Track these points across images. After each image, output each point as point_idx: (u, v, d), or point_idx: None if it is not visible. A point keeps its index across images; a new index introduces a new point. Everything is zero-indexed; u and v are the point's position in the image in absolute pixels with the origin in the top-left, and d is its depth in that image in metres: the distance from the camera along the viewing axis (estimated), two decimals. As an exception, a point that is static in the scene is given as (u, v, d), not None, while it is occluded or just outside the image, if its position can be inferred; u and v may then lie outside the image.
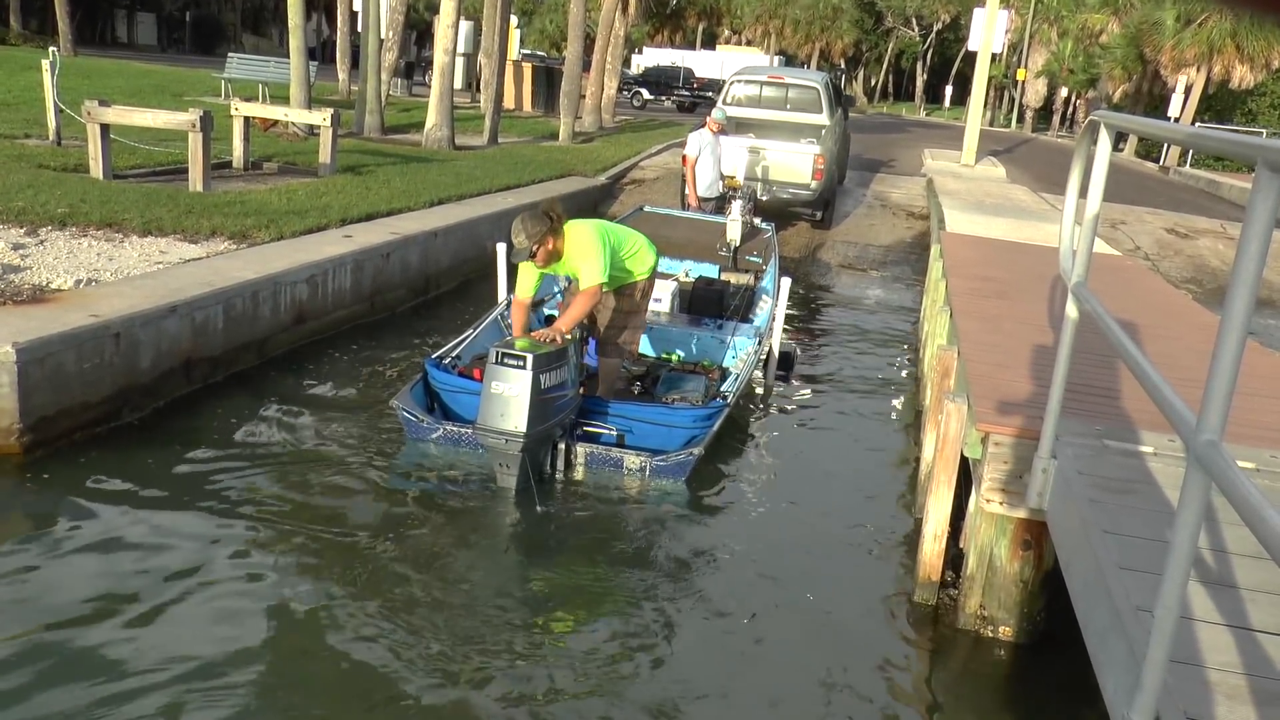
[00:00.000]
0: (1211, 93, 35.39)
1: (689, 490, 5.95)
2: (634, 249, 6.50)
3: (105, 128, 10.35)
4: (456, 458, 5.99)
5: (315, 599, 4.44)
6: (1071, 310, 3.78)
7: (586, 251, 6.06)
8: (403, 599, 4.51)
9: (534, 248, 5.88)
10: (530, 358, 5.42)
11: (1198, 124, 33.54)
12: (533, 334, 5.94)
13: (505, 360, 5.46)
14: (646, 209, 11.63)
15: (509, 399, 5.41)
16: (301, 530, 5.05)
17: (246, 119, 12.53)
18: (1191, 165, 31.13)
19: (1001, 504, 4.25)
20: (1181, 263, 15.12)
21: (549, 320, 7.13)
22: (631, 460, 5.94)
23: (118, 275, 6.85)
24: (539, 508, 5.54)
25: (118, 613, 4.18)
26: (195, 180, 10.29)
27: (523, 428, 5.39)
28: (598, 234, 6.20)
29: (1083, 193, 3.73)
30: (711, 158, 12.07)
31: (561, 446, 5.93)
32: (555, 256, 6.05)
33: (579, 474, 5.98)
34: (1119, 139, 4.33)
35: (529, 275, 6.20)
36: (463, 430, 5.99)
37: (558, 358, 5.64)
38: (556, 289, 8.03)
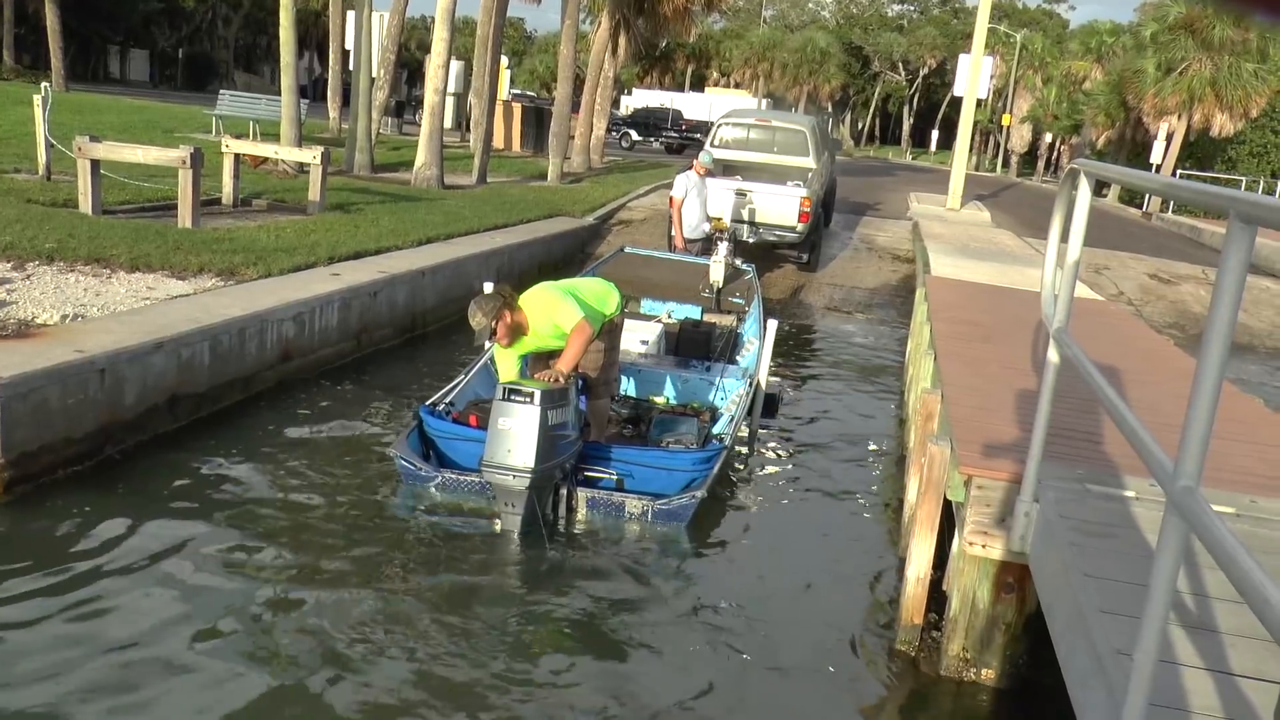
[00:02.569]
0: (1193, 140, 35.84)
1: (685, 534, 5.95)
2: (595, 291, 6.50)
3: (95, 163, 10.39)
4: (455, 503, 5.97)
5: (309, 645, 4.41)
6: (1053, 355, 3.82)
7: (552, 304, 6.07)
8: (404, 643, 4.49)
9: (493, 324, 5.84)
10: (538, 393, 5.47)
11: (1179, 171, 33.97)
12: (535, 375, 5.97)
13: (512, 396, 5.49)
14: (628, 250, 11.70)
15: (517, 435, 5.42)
16: (292, 572, 5.03)
17: (237, 156, 12.58)
18: (1174, 212, 31.46)
19: (984, 547, 4.27)
20: (1164, 308, 15.26)
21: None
22: (633, 504, 5.95)
23: (104, 311, 6.85)
24: (548, 548, 5.54)
25: (93, 657, 4.15)
26: (184, 216, 10.32)
27: (531, 463, 5.40)
28: (553, 288, 6.25)
29: (1064, 239, 3.79)
30: (698, 200, 12.16)
31: (563, 492, 5.93)
32: (519, 331, 6.02)
33: (580, 518, 5.97)
34: (1101, 185, 4.39)
35: (508, 360, 6.17)
36: (461, 477, 5.99)
37: (561, 397, 5.66)
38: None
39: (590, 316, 6.10)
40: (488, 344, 6.52)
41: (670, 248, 12.41)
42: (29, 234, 8.65)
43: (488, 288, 6.27)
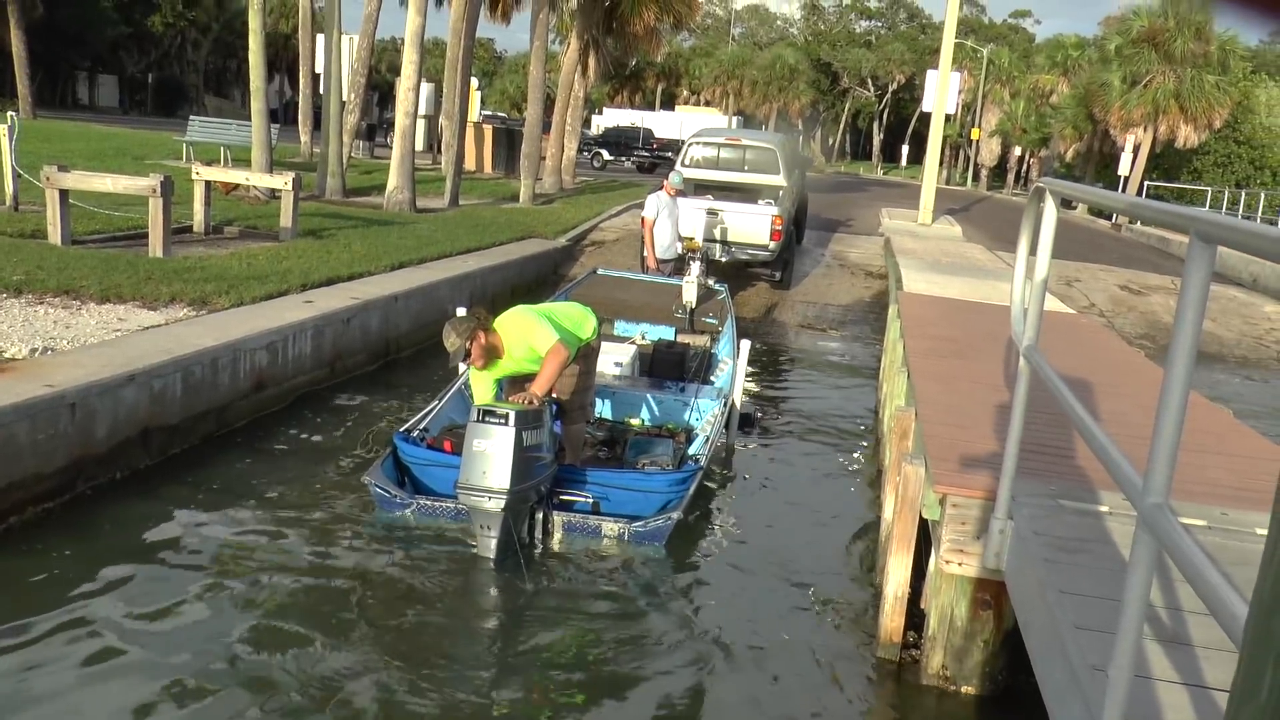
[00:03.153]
0: (1159, 151, 36.27)
1: (663, 555, 5.94)
2: (572, 315, 6.51)
3: (64, 193, 10.31)
4: (432, 531, 5.94)
5: (288, 681, 4.36)
6: (1024, 372, 3.85)
7: (528, 327, 6.07)
8: (382, 674, 4.45)
9: (467, 345, 5.82)
10: (512, 414, 5.48)
11: (1146, 182, 34.35)
12: (510, 398, 5.97)
13: (487, 418, 5.50)
14: (600, 272, 11.72)
15: (491, 456, 5.42)
16: (268, 604, 4.98)
17: (208, 183, 12.53)
18: (1142, 223, 31.78)
19: (960, 564, 4.28)
20: (1135, 319, 15.40)
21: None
22: (609, 527, 5.94)
23: (74, 343, 6.79)
24: (525, 576, 5.52)
25: (68, 693, 4.09)
26: (155, 245, 10.26)
27: (506, 484, 5.39)
28: (530, 311, 6.26)
29: (1032, 252, 3.82)
30: (669, 220, 12.19)
31: (539, 516, 5.91)
32: (494, 353, 6.01)
33: (556, 542, 5.95)
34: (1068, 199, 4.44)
35: (483, 384, 6.17)
36: (436, 504, 5.97)
37: (536, 418, 5.67)
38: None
39: (566, 340, 6.10)
40: (462, 366, 6.51)
41: (643, 269, 12.43)
42: (-4, 266, 8.58)
43: (460, 311, 6.27)
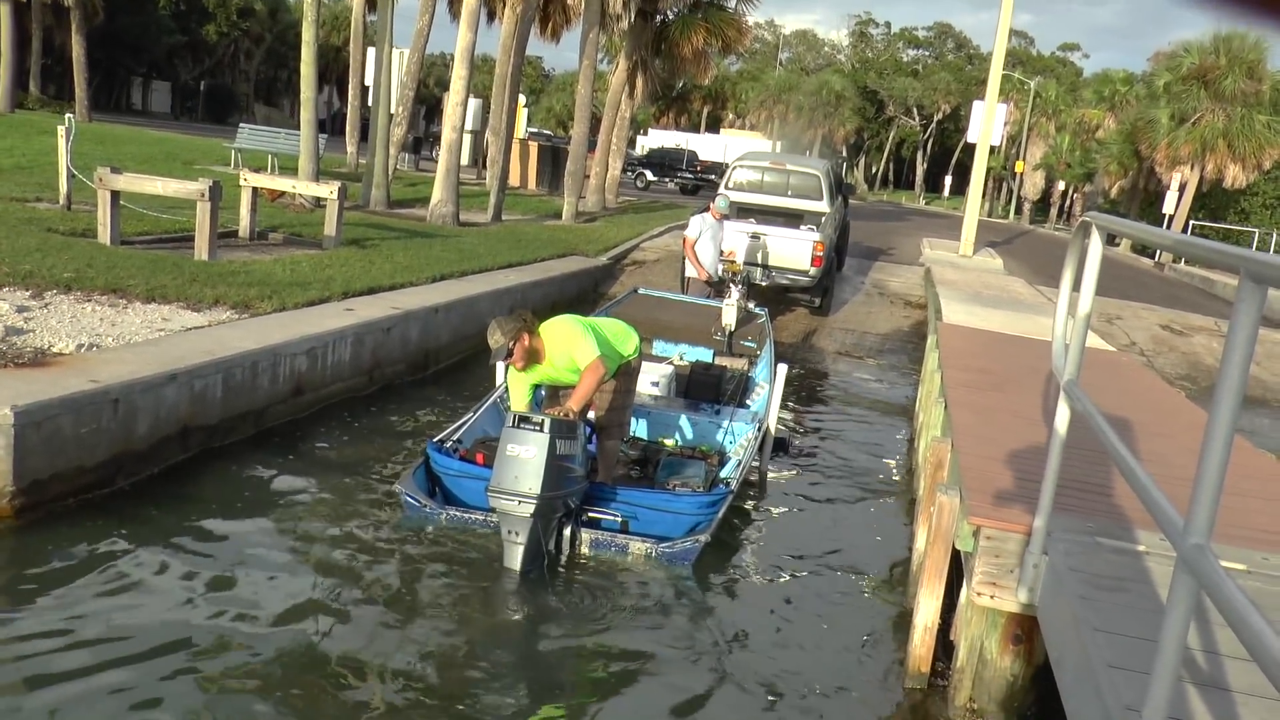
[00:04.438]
0: (1205, 191, 35.89)
1: (690, 577, 5.92)
2: (615, 331, 6.55)
3: (115, 194, 10.49)
4: (459, 542, 5.96)
5: (308, 680, 4.39)
6: (1063, 408, 3.82)
7: (571, 338, 6.11)
8: (403, 682, 4.47)
9: (510, 344, 5.89)
10: (547, 421, 5.52)
11: (1191, 222, 33.98)
12: (547, 411, 5.99)
13: (523, 424, 5.54)
14: (641, 291, 11.74)
15: (525, 461, 5.45)
16: (293, 607, 5.01)
17: (254, 189, 12.69)
18: (1186, 262, 31.43)
19: (992, 598, 4.25)
20: (1176, 359, 15.21)
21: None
22: (637, 546, 5.94)
23: (119, 341, 6.89)
24: (549, 587, 5.53)
25: (97, 691, 4.14)
26: (201, 249, 10.40)
27: (537, 489, 5.41)
28: (575, 321, 6.30)
29: (1075, 287, 3.80)
30: (711, 242, 12.22)
31: (566, 533, 5.91)
32: (535, 357, 6.07)
33: (583, 559, 5.95)
34: (1114, 235, 4.37)
35: (520, 386, 6.22)
36: (466, 514, 6.00)
37: (571, 430, 5.71)
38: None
39: (607, 356, 6.13)
40: (500, 366, 6.55)
41: (683, 288, 12.45)
42: (48, 263, 8.73)
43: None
